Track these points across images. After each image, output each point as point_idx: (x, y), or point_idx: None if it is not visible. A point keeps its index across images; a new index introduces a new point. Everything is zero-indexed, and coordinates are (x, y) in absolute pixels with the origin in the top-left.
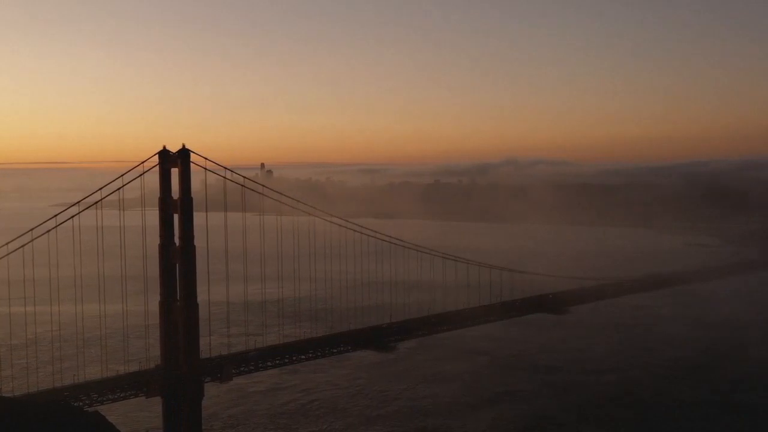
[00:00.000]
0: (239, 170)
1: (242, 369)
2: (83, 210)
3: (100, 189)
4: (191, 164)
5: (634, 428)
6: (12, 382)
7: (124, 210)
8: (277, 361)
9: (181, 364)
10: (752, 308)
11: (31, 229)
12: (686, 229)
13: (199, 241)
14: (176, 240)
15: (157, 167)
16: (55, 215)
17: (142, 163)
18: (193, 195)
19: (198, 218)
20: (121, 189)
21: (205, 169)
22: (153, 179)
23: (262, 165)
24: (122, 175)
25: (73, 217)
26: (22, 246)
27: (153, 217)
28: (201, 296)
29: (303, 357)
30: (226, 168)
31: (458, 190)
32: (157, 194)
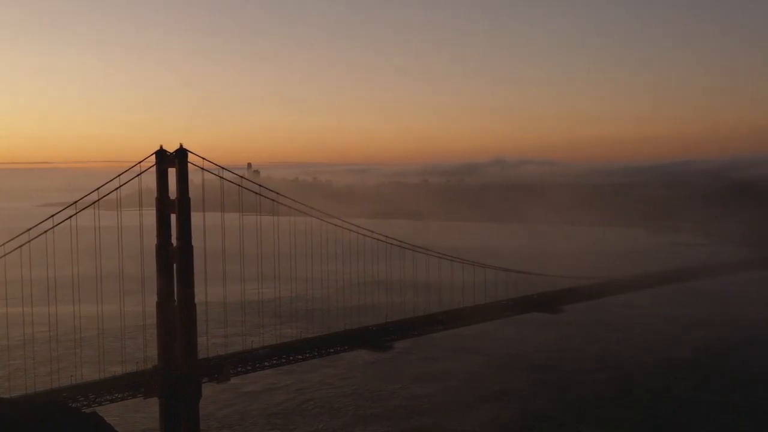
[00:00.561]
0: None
1: (240, 369)
2: (80, 211)
3: (97, 189)
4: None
5: (633, 428)
6: (9, 382)
7: (121, 210)
8: (275, 361)
9: (180, 365)
10: (752, 308)
11: (28, 230)
12: (670, 228)
13: (195, 242)
14: (173, 240)
15: (154, 167)
16: (52, 215)
17: (139, 163)
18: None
19: (194, 218)
20: (119, 189)
21: (203, 169)
22: (146, 179)
23: (249, 165)
24: (119, 175)
25: (70, 217)
26: (20, 246)
27: (149, 217)
28: (197, 296)
29: (300, 357)
30: (222, 168)
31: (447, 189)
32: (150, 194)
